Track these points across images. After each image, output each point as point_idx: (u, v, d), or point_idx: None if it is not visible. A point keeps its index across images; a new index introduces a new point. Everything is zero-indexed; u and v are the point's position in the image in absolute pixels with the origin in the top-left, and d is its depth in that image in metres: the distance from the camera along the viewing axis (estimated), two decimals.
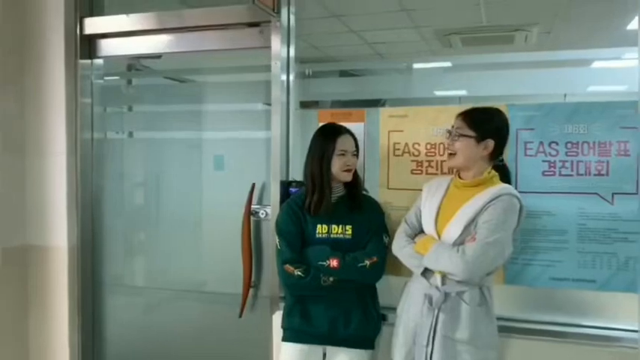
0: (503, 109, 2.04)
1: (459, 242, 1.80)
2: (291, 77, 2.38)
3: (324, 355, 2.06)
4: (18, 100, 2.60)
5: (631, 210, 1.94)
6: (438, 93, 2.64)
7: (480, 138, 1.84)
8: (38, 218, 2.63)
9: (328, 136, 2.03)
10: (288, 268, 1.99)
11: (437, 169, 2.16)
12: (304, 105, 2.54)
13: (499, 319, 2.00)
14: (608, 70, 2.36)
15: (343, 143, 2.02)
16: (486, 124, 1.86)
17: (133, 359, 2.79)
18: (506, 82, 2.41)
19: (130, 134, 2.97)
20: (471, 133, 1.84)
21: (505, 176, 1.93)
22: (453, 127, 1.90)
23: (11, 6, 2.55)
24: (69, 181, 2.60)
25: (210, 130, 2.76)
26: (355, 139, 2.06)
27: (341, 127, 2.07)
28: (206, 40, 2.50)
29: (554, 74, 2.35)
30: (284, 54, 2.35)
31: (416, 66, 2.93)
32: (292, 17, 2.39)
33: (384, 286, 2.12)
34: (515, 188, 2.02)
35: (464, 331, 1.80)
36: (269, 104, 2.36)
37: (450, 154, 1.91)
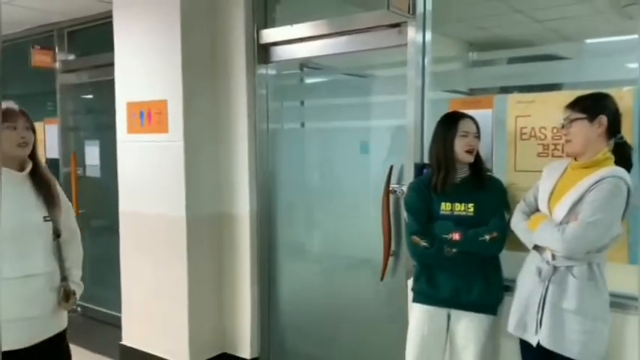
0: (628, 93, 2.09)
1: (566, 221, 1.94)
2: (427, 63, 2.64)
3: (449, 317, 2.33)
4: (212, 98, 3.30)
5: None
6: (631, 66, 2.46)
7: (592, 117, 1.95)
8: (228, 192, 3.33)
9: (451, 121, 2.28)
10: (415, 239, 2.30)
11: (562, 152, 2.25)
12: (472, 92, 2.76)
13: (620, 296, 2.09)
14: None
15: (464, 125, 2.25)
16: (594, 104, 1.97)
17: (296, 306, 3.37)
18: None
19: (302, 124, 3.53)
20: (581, 115, 1.96)
21: (626, 154, 1.99)
22: (564, 119, 2.02)
23: (206, 24, 3.25)
24: (250, 162, 3.25)
25: (364, 120, 3.17)
26: (476, 123, 2.28)
27: (462, 112, 2.31)
28: (354, 42, 2.90)
29: None
30: (419, 40, 2.63)
31: (591, 43, 2.80)
32: (429, 15, 2.64)
33: (513, 260, 2.29)
34: None
35: (571, 301, 1.94)
36: None
37: (567, 140, 2.03)
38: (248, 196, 3.26)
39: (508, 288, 2.30)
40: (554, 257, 1.99)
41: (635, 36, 2.53)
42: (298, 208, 3.40)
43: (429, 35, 2.66)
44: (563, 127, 2.04)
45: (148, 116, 3.31)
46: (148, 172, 3.34)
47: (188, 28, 3.15)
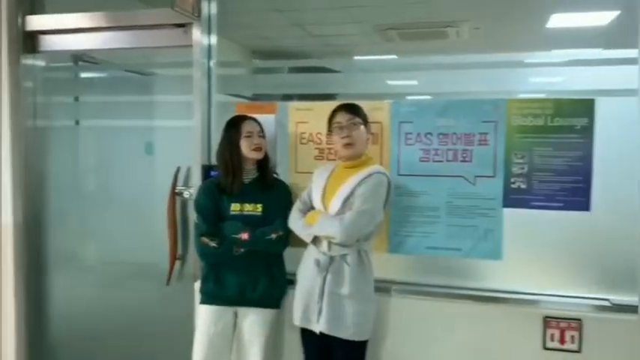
0: (386, 106, 2.42)
1: (341, 213, 2.16)
2: (212, 66, 2.67)
3: (236, 315, 2.39)
4: None
5: (489, 190, 2.33)
6: (390, 83, 2.82)
7: (366, 124, 2.25)
8: None
9: (235, 124, 2.36)
10: (204, 240, 2.31)
11: (335, 156, 2.50)
12: (255, 97, 2.83)
13: (383, 281, 2.39)
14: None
15: (248, 126, 2.34)
16: (363, 113, 2.25)
17: (73, 323, 3.09)
18: (448, 79, 2.57)
19: (77, 122, 3.24)
20: (362, 121, 2.23)
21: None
22: (336, 122, 2.24)
23: None
24: (13, 164, 2.88)
25: (149, 119, 3.05)
26: (259, 123, 2.39)
27: (244, 115, 2.41)
28: (136, 38, 2.79)
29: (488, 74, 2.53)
30: (205, 42, 2.66)
31: (359, 60, 3.11)
32: (214, 18, 2.68)
33: (294, 255, 2.43)
34: (398, 172, 2.41)
35: (346, 287, 2.17)
36: None
37: (348, 144, 2.22)
38: (11, 202, 2.89)
39: (291, 282, 2.44)
40: (330, 248, 2.20)
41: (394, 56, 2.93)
42: (74, 214, 3.13)
43: (214, 39, 2.70)
44: (341, 129, 2.23)
45: None
46: None
47: None
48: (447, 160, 2.38)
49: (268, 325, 2.37)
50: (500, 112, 2.32)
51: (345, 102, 2.31)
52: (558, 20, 4.68)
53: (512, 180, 2.31)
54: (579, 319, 2.19)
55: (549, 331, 2.24)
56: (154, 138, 3.04)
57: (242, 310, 2.38)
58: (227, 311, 2.38)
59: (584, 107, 2.24)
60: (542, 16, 4.73)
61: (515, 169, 2.31)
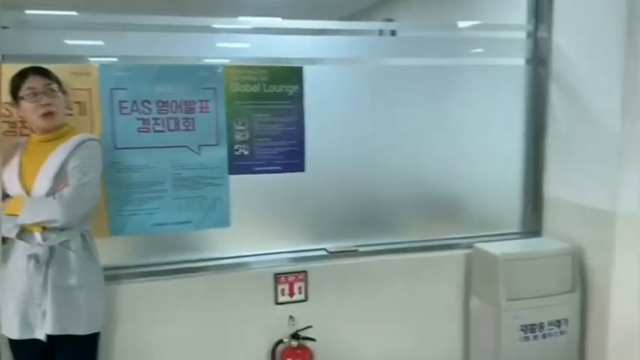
0: (94, 69, 2.13)
1: (52, 192, 1.85)
2: None
3: None
4: None
5: (214, 158, 2.30)
6: (69, 42, 2.38)
7: (62, 90, 1.95)
8: None
9: None
10: None
11: (29, 128, 2.07)
12: None
13: (110, 268, 2.15)
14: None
15: None
16: (55, 76, 1.94)
17: None
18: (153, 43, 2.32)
19: None
20: (58, 87, 1.92)
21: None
22: (28, 88, 1.86)
23: None
24: None
25: None
26: None
27: None
28: None
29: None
30: None
31: (31, 14, 2.52)
32: None
33: None
34: (114, 146, 2.16)
35: (74, 277, 1.89)
36: None
37: (48, 113, 1.88)
38: None
39: None
40: (44, 238, 1.85)
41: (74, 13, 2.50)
42: None
43: None
44: (37, 95, 1.86)
45: None
46: None
47: None
48: (169, 130, 2.24)
49: None
50: (218, 78, 2.29)
51: (33, 65, 1.93)
52: None
53: (236, 147, 2.33)
54: (305, 271, 2.40)
55: (280, 287, 2.38)
56: None
57: None
58: None
59: (294, 74, 2.38)
60: None
61: (238, 137, 2.33)
